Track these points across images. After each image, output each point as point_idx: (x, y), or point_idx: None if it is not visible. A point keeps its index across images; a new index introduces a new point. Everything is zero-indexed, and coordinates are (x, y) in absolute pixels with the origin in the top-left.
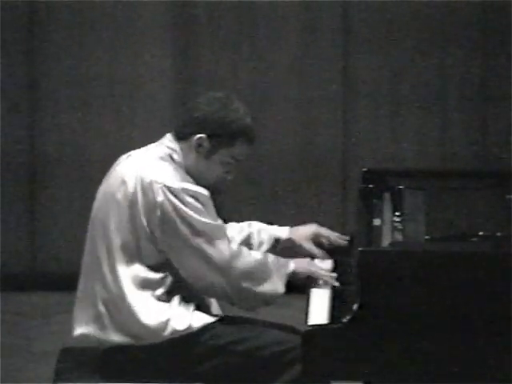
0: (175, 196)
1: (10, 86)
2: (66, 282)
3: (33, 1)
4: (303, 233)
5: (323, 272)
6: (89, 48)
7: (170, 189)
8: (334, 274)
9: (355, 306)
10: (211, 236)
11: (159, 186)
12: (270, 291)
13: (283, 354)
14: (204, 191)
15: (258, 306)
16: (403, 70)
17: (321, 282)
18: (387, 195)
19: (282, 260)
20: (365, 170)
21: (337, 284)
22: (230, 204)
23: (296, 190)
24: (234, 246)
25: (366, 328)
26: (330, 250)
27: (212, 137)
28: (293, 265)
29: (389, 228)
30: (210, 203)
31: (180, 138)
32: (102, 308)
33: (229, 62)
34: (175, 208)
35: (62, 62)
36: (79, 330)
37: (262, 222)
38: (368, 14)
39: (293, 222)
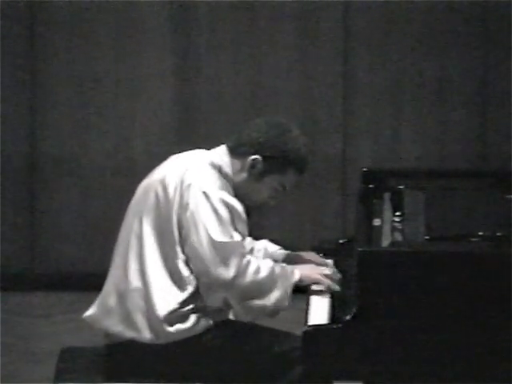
0: (208, 200)
1: (10, 86)
2: (65, 281)
3: (34, 1)
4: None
5: (326, 278)
6: (89, 48)
7: (205, 193)
8: (339, 276)
9: (355, 306)
10: (223, 251)
11: (196, 189)
12: (275, 305)
13: (284, 354)
14: (239, 205)
15: (261, 317)
16: (403, 71)
17: (324, 287)
18: (387, 195)
19: (288, 269)
20: (365, 169)
21: (338, 288)
22: None
23: (296, 190)
24: (244, 261)
25: (366, 328)
26: (330, 250)
27: (267, 160)
28: (298, 273)
29: (389, 228)
30: (242, 217)
31: (234, 154)
32: (114, 295)
33: (229, 62)
34: (204, 211)
35: (63, 62)
36: (89, 312)
37: (261, 222)
38: (368, 14)
39: (293, 222)
